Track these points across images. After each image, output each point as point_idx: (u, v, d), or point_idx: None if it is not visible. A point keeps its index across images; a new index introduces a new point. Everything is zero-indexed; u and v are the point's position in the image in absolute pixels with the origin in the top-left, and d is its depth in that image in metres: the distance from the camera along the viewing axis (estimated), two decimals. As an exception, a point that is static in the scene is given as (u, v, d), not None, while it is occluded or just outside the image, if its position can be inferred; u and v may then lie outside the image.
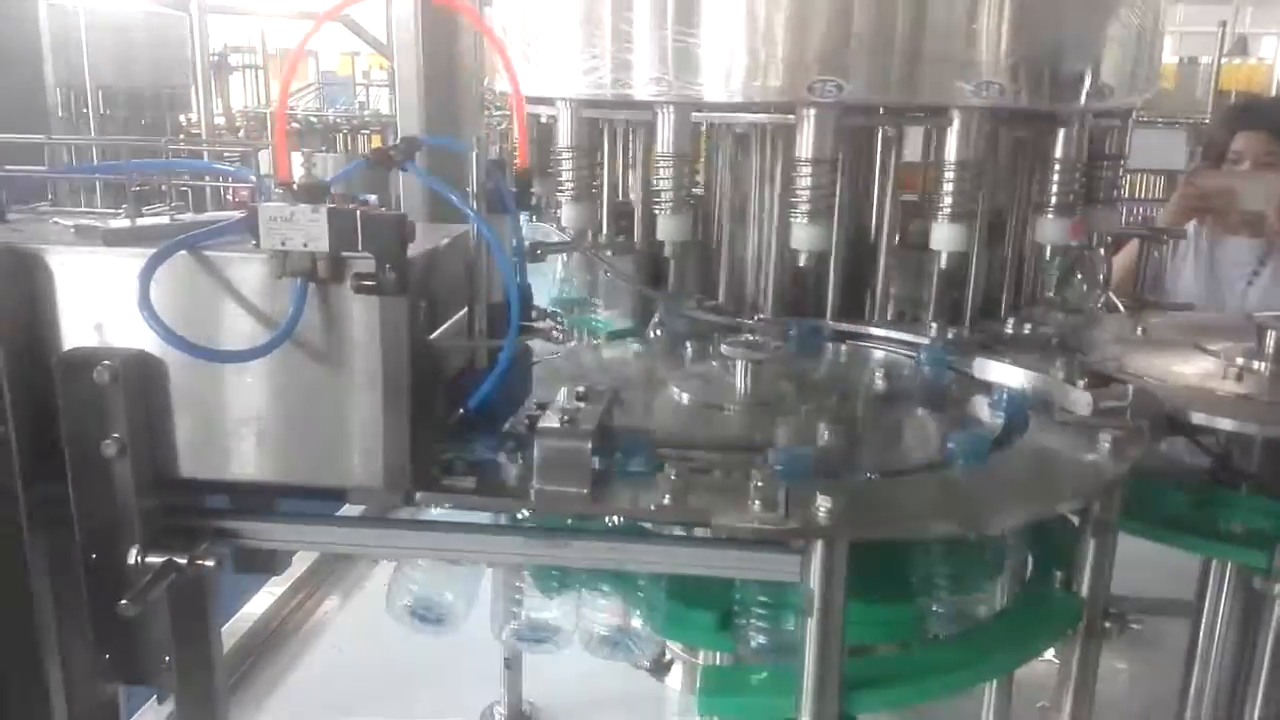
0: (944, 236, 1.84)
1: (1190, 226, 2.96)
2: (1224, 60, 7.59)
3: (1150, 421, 1.47)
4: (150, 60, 9.97)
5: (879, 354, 1.87)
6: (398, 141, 1.17)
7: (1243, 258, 3.20)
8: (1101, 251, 2.22)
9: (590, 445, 1.17)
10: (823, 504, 1.13)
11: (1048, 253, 2.03)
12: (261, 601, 2.62)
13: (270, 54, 11.35)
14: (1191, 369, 1.75)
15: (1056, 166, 1.93)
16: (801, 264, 1.87)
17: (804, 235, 1.82)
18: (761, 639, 1.22)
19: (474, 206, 1.16)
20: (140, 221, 1.22)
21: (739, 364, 1.57)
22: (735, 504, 1.15)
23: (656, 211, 1.89)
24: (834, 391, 1.58)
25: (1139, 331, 2.03)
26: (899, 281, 2.07)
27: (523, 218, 2.05)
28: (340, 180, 1.13)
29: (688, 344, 1.88)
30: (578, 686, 2.21)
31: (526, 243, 1.93)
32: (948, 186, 1.81)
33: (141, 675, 1.24)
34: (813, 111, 1.75)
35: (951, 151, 1.79)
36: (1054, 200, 1.94)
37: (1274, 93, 7.71)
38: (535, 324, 1.28)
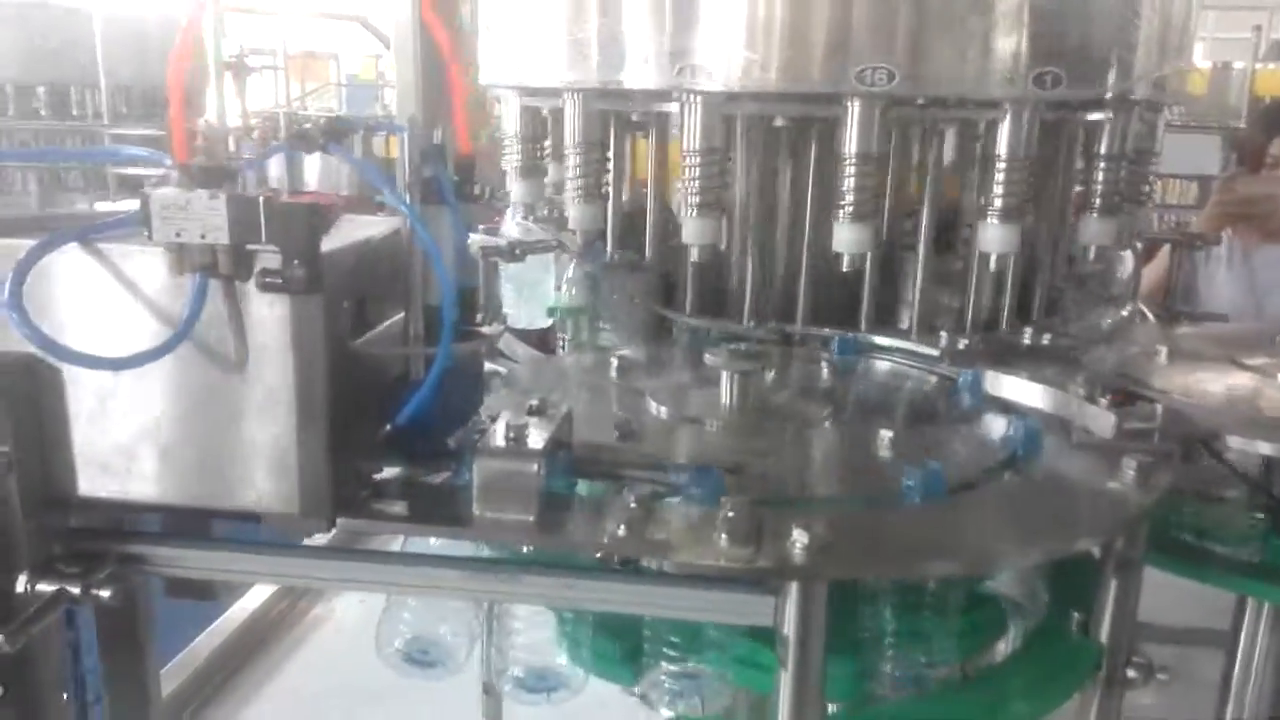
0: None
1: (1225, 234, 2.80)
2: (1258, 66, 7.36)
3: (1181, 444, 1.31)
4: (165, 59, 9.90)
5: (884, 365, 1.72)
6: (322, 120, 1.03)
7: (1280, 264, 3.03)
8: (1130, 256, 2.07)
9: (538, 467, 1.03)
10: (799, 538, 0.98)
11: (1091, 254, 1.87)
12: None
13: (291, 55, 11.29)
14: (1226, 385, 1.58)
15: (1101, 164, 1.78)
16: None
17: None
18: (670, 682, 1.08)
19: (404, 196, 1.02)
20: (57, 211, 1.08)
21: (724, 375, 1.42)
22: (701, 537, 1.01)
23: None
24: (827, 407, 1.42)
25: (1169, 344, 1.87)
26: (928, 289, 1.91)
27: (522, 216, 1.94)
28: (256, 165, 0.98)
29: (675, 351, 1.74)
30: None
31: (505, 241, 1.82)
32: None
33: (36, 716, 1.11)
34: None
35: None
36: (1099, 199, 1.79)
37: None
38: (480, 329, 1.13)
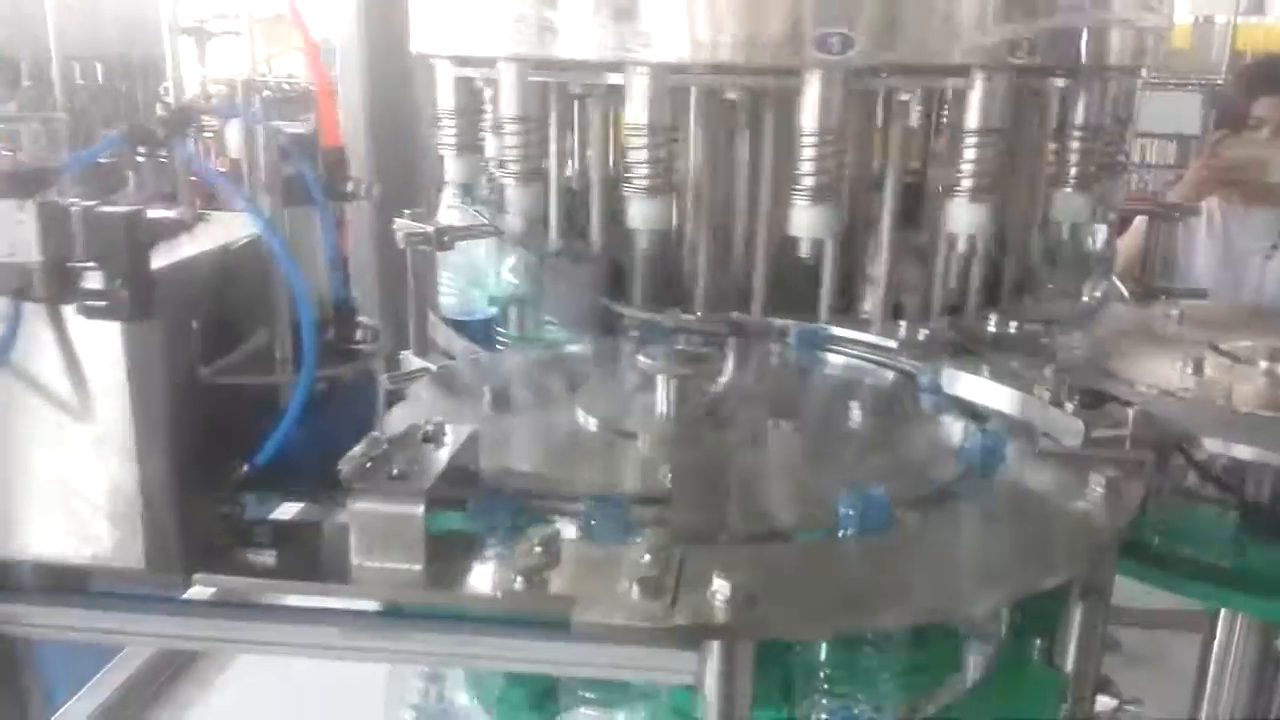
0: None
1: (1202, 203, 2.68)
2: (1240, 20, 7.21)
3: (1156, 453, 1.19)
4: (124, 27, 9.59)
5: (841, 361, 1.59)
6: (165, 113, 0.88)
7: (1260, 230, 2.93)
8: (1104, 230, 1.94)
9: (423, 508, 0.90)
10: (720, 589, 0.85)
11: (1064, 230, 1.75)
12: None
13: (257, 19, 10.94)
14: (1203, 376, 1.46)
15: (1076, 134, 1.66)
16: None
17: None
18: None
19: (254, 196, 0.88)
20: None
21: (659, 381, 1.29)
22: (608, 587, 0.88)
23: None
24: (773, 415, 1.29)
25: (1143, 328, 1.75)
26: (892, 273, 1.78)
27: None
28: (83, 164, 0.84)
29: (621, 346, 1.60)
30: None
31: (432, 229, 1.68)
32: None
33: None
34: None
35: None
36: (1074, 171, 1.68)
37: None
38: (360, 346, 1.00)
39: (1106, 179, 1.83)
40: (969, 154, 1.53)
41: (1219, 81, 6.32)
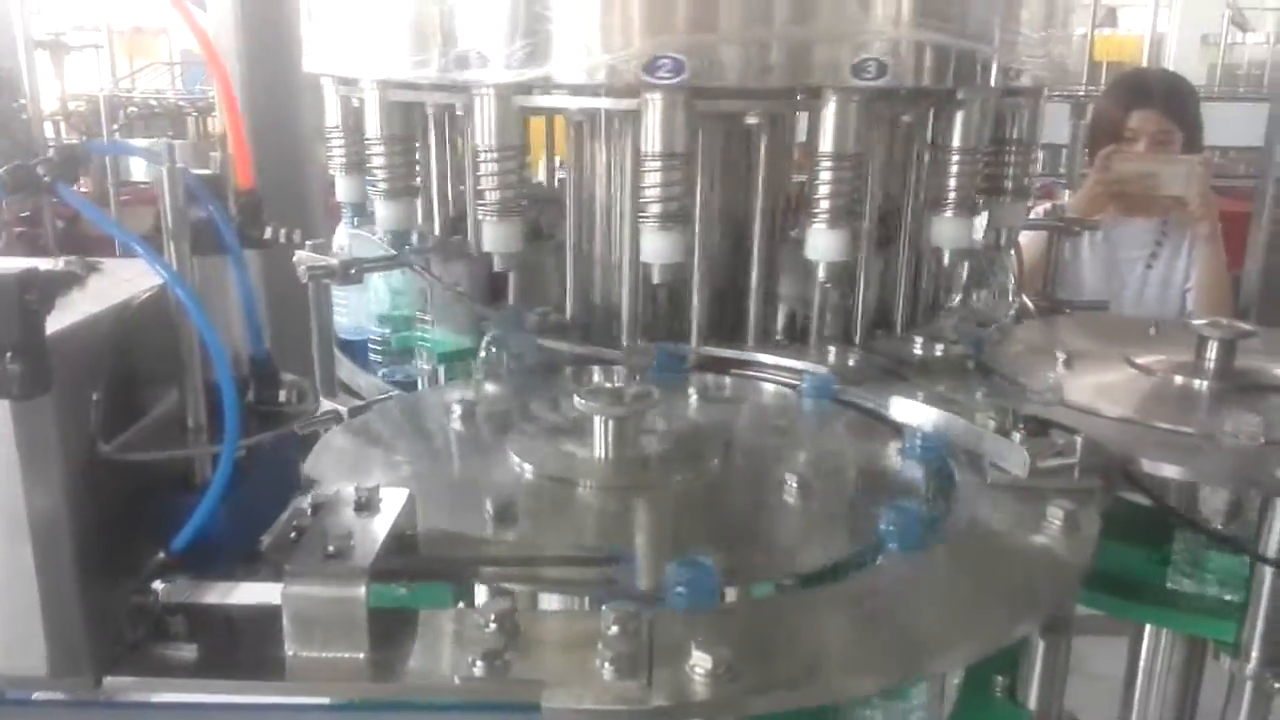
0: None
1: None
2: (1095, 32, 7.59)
3: (1103, 479, 1.19)
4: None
5: (770, 388, 1.55)
6: (50, 153, 0.77)
7: (1140, 240, 3.05)
8: (1012, 253, 1.96)
9: (365, 589, 0.81)
10: (699, 662, 0.79)
11: (946, 257, 1.74)
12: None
13: (118, 31, 10.37)
14: (1132, 396, 1.48)
15: (955, 157, 1.64)
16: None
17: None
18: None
19: (154, 245, 0.77)
20: None
21: (597, 422, 1.22)
22: (578, 664, 0.81)
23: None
24: (714, 453, 1.24)
25: (1061, 346, 1.77)
26: (790, 285, 1.77)
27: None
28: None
29: (536, 386, 1.53)
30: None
31: (337, 260, 1.57)
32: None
33: None
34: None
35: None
36: (953, 196, 1.66)
37: (1144, 63, 7.75)
38: (283, 407, 0.90)
39: (1012, 201, 1.84)
40: (823, 183, 1.51)
41: (1081, 92, 6.62)
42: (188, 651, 0.82)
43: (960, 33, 1.50)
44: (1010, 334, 1.84)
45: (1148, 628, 1.74)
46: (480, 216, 1.56)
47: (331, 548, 0.83)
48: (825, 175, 1.51)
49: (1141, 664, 1.77)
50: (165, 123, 9.24)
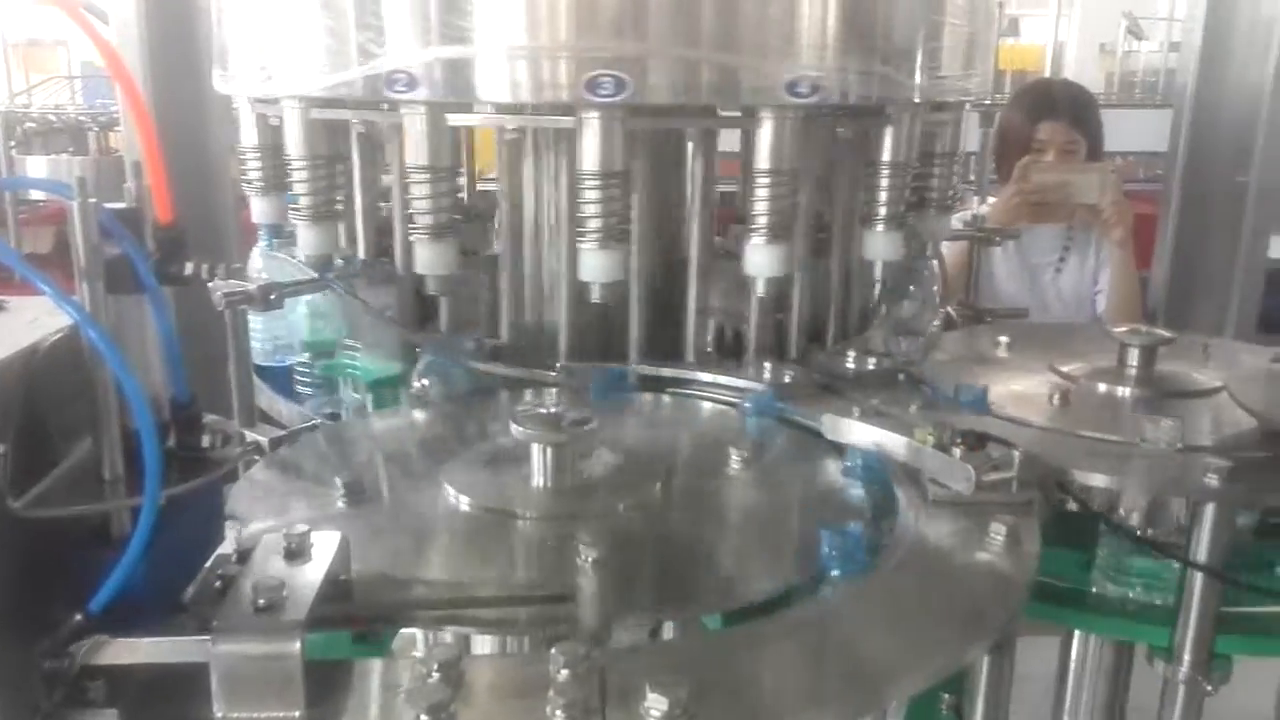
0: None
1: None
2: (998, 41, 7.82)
3: (1041, 491, 1.20)
4: None
5: (708, 407, 1.54)
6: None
7: (1048, 246, 3.13)
8: (935, 264, 1.99)
9: (300, 644, 0.76)
10: (654, 705, 0.77)
11: (878, 270, 1.76)
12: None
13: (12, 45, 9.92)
14: (1061, 406, 1.50)
15: (885, 171, 1.66)
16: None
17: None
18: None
19: (57, 268, 0.72)
20: None
21: (535, 450, 1.19)
22: (531, 715, 0.78)
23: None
24: (656, 478, 1.21)
25: (987, 356, 1.79)
26: (720, 300, 1.76)
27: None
28: None
29: (469, 412, 1.49)
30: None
31: (255, 286, 1.51)
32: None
33: None
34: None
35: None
36: (883, 210, 1.67)
37: (1046, 72, 8.00)
38: (206, 453, 0.85)
39: (937, 213, 1.87)
40: (760, 199, 1.51)
41: (988, 101, 6.81)
42: (108, 718, 0.76)
43: (889, 51, 1.52)
44: (937, 344, 1.86)
45: (1076, 630, 1.77)
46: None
47: (262, 600, 0.79)
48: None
49: (1072, 665, 1.80)
50: (65, 139, 8.88)
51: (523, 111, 1.49)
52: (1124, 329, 1.70)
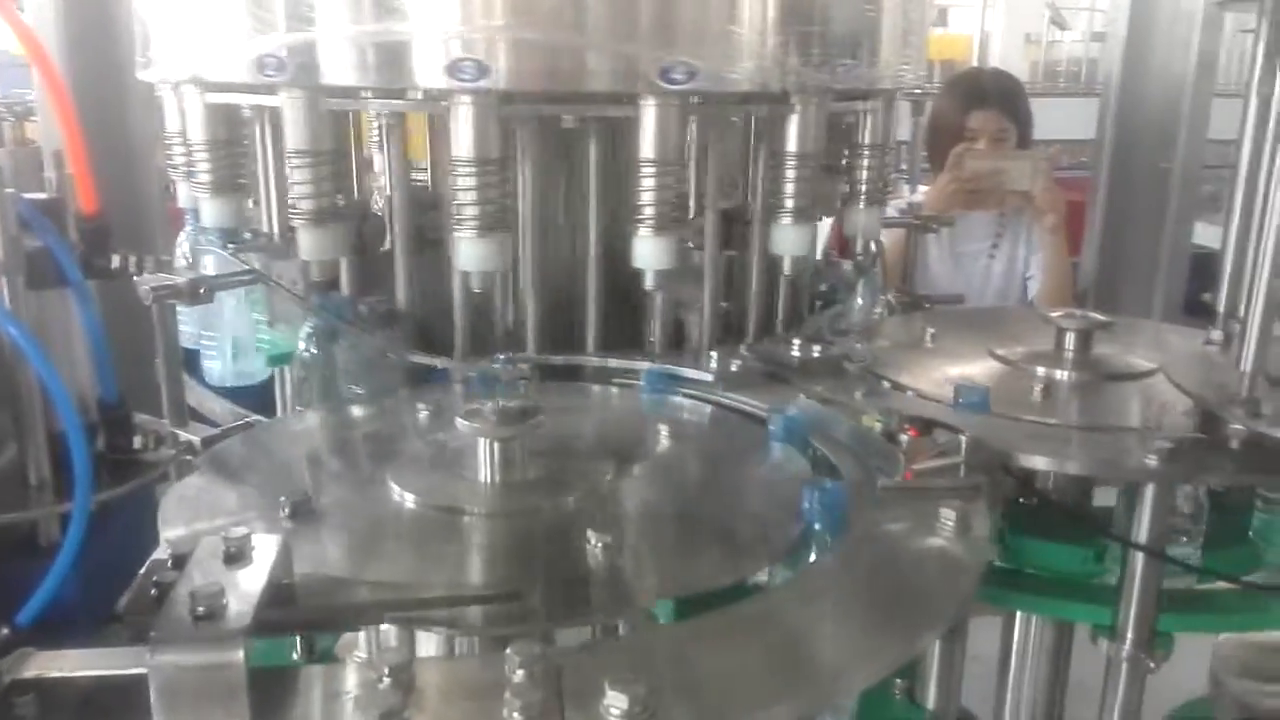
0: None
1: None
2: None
3: (987, 476, 1.21)
4: None
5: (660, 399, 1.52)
6: None
7: (980, 233, 3.18)
8: (876, 263, 1.99)
9: (245, 653, 0.73)
10: (614, 703, 0.75)
11: (787, 265, 1.73)
12: None
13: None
14: (1005, 392, 1.51)
15: (790, 162, 1.63)
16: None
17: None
18: None
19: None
20: None
21: (481, 444, 1.16)
22: (488, 713, 0.75)
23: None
24: (605, 468, 1.20)
25: (927, 341, 1.81)
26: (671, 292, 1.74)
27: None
28: None
29: (410, 403, 1.46)
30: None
31: (184, 280, 1.45)
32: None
33: None
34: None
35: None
36: (790, 204, 1.65)
37: (974, 61, 8.12)
38: (138, 454, 0.81)
39: (868, 208, 1.86)
40: (645, 189, 1.48)
41: (918, 90, 6.90)
42: (37, 738, 0.73)
43: (781, 38, 1.48)
44: (879, 331, 1.87)
45: (1018, 611, 1.80)
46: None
47: (201, 608, 0.75)
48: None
49: (1015, 645, 1.83)
50: (-17, 136, 8.54)
51: (400, 96, 1.45)
52: (1061, 313, 1.72)
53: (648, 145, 1.45)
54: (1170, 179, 3.28)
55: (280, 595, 0.85)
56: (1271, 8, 1.38)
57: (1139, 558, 1.28)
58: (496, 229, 1.44)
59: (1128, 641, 1.31)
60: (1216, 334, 1.57)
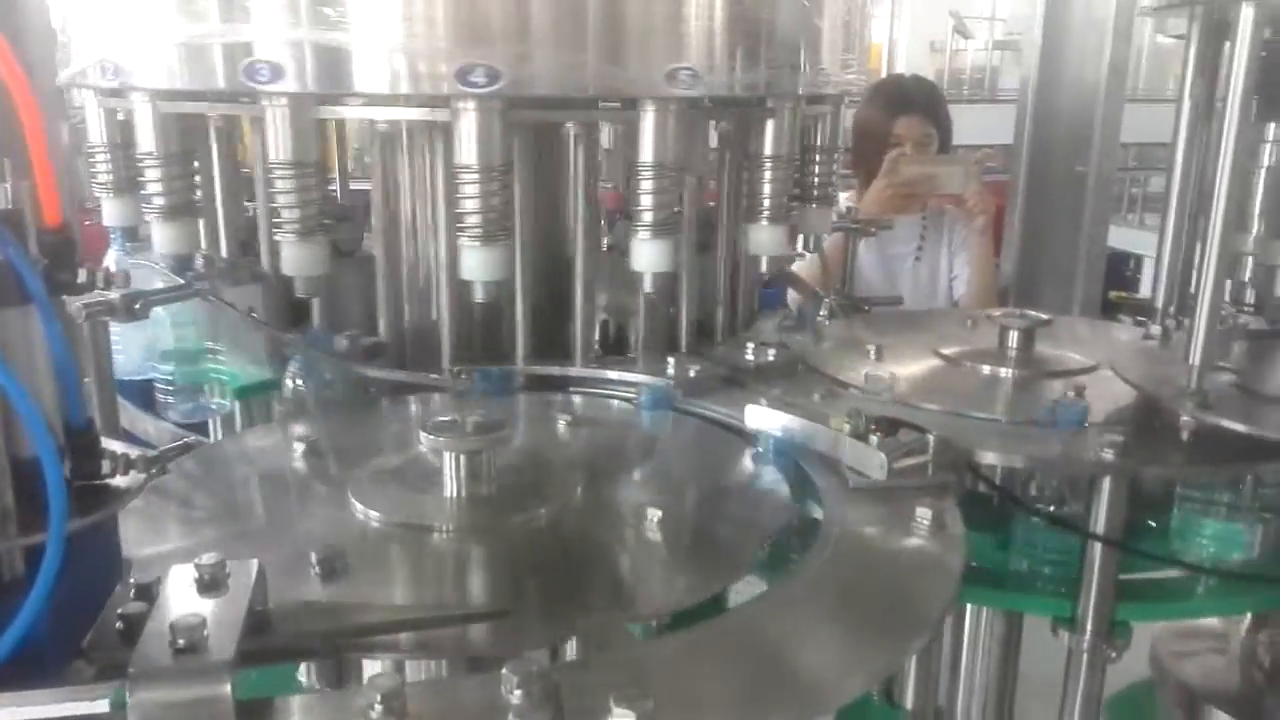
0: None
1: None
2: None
3: (953, 473, 1.22)
4: None
5: (614, 404, 1.51)
6: None
7: (906, 235, 3.23)
8: (818, 257, 2.01)
9: (228, 688, 0.69)
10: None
11: (764, 264, 1.75)
12: None
13: None
14: (943, 385, 1.54)
15: (768, 165, 1.66)
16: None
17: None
18: None
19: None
20: None
21: (446, 458, 1.13)
22: (486, 738, 0.73)
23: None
24: (577, 481, 1.17)
25: (875, 343, 1.82)
26: (607, 297, 1.74)
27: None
28: None
29: (357, 420, 1.41)
30: None
31: (118, 295, 1.38)
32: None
33: None
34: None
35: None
36: (767, 204, 1.67)
37: (884, 69, 8.30)
38: (106, 481, 0.76)
39: (818, 207, 1.88)
40: (644, 193, 1.47)
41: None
42: (6, 787, 0.67)
43: (772, 43, 1.51)
44: (825, 334, 1.88)
45: (968, 604, 1.83)
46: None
47: (182, 640, 0.71)
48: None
49: (966, 637, 1.86)
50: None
51: (395, 104, 1.42)
52: (1001, 312, 1.76)
53: (647, 149, 1.45)
54: (1086, 182, 3.39)
55: (257, 623, 0.81)
56: (1202, 13, 1.43)
57: (1097, 549, 1.31)
58: (500, 237, 1.41)
59: (1087, 633, 1.33)
60: (1155, 329, 1.62)
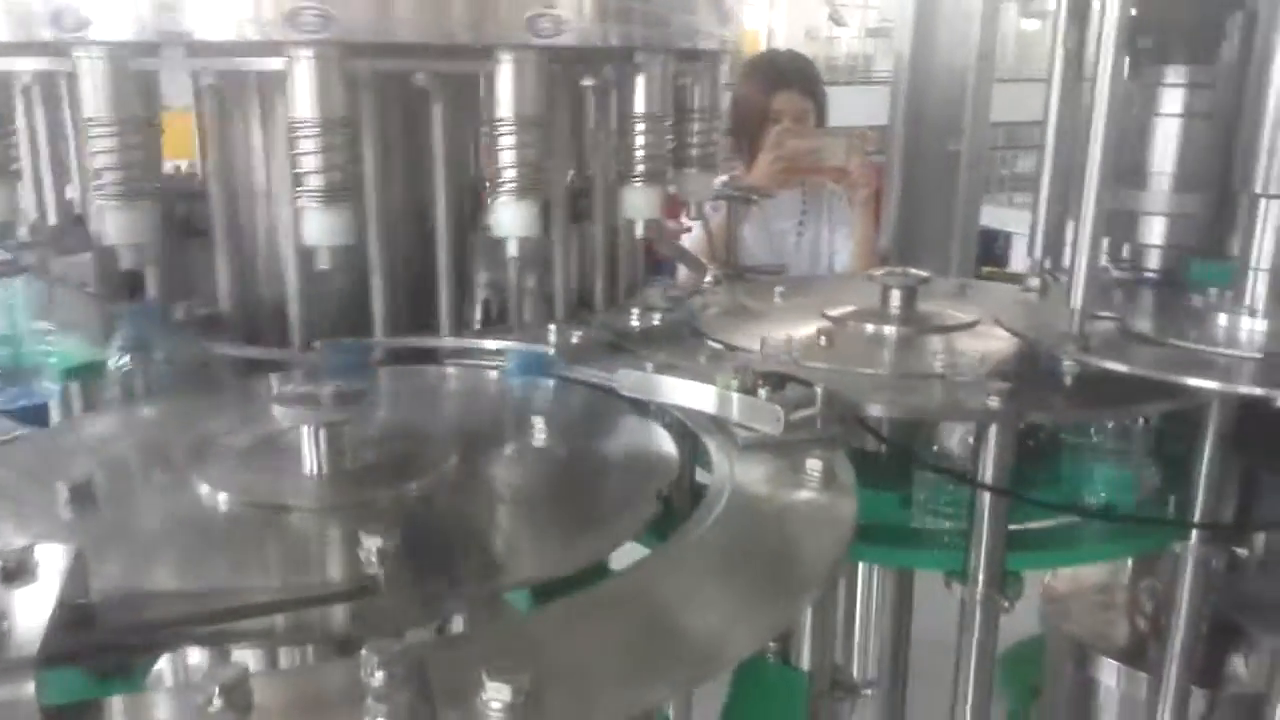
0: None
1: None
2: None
3: (841, 426, 1.18)
4: None
5: (492, 375, 1.43)
6: None
7: (788, 210, 3.24)
8: (700, 225, 1.97)
9: (34, 686, 0.59)
10: (495, 694, 0.66)
11: (639, 228, 1.68)
12: None
13: None
14: (831, 343, 1.51)
15: (640, 123, 1.59)
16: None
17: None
18: None
19: None
20: None
21: (305, 433, 1.03)
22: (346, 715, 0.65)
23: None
24: (449, 454, 1.09)
25: (754, 304, 1.79)
26: (486, 273, 1.65)
27: None
28: None
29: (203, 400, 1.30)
30: None
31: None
32: (505, 153, 1.39)
33: None
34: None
35: (506, 107, 1.37)
36: (641, 166, 1.60)
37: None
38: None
39: (700, 172, 1.83)
40: (505, 150, 1.39)
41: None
42: None
43: None
44: (711, 300, 1.84)
45: (859, 563, 1.81)
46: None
47: (-20, 638, 0.61)
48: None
49: (859, 596, 1.85)
50: None
51: (222, 52, 1.30)
52: (883, 271, 1.74)
53: (505, 103, 1.34)
54: (959, 161, 3.46)
55: (77, 616, 0.71)
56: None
57: (986, 499, 1.29)
58: (345, 198, 1.29)
59: (980, 584, 1.32)
60: (1034, 282, 1.62)
